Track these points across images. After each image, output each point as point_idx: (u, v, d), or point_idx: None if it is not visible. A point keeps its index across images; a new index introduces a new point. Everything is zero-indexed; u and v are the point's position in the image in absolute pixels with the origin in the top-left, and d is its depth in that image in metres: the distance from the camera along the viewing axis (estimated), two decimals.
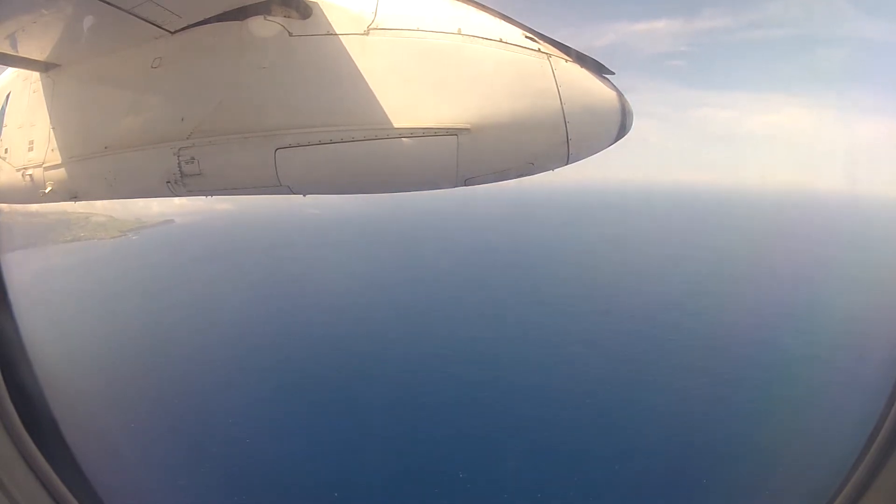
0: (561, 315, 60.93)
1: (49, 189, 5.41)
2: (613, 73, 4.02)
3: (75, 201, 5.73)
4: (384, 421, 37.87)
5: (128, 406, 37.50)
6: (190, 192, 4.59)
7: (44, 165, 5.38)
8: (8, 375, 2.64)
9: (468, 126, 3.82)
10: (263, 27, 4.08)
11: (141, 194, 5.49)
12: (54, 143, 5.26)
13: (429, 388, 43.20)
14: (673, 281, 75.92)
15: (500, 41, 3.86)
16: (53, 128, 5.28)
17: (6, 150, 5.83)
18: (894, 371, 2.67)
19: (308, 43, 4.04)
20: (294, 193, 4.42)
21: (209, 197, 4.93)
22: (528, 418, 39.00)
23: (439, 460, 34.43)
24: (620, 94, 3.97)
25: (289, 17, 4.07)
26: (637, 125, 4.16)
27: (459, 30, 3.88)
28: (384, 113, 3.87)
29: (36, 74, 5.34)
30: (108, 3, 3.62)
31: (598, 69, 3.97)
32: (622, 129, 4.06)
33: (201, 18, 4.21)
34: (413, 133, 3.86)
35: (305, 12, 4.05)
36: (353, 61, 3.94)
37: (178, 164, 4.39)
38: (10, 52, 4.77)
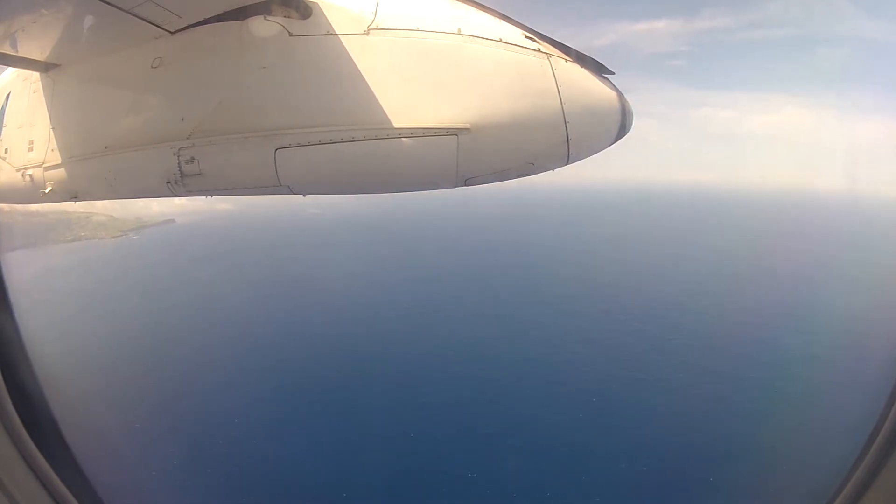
0: (561, 315, 60.91)
1: (49, 189, 5.40)
2: (613, 73, 4.02)
3: (75, 201, 5.73)
4: (386, 420, 37.89)
5: (128, 406, 37.50)
6: (190, 193, 4.59)
7: (44, 165, 5.38)
8: (8, 375, 2.64)
9: (468, 126, 3.82)
10: (263, 27, 4.08)
11: (141, 194, 5.49)
12: (54, 143, 5.26)
13: (429, 387, 43.21)
14: (673, 281, 75.93)
15: (500, 41, 3.86)
16: (53, 128, 5.28)
17: (6, 150, 5.83)
18: (894, 371, 2.66)
19: (308, 43, 4.04)
20: (294, 193, 4.42)
21: (209, 197, 4.93)
22: (528, 418, 39.01)
23: (439, 460, 34.42)
24: (620, 94, 3.97)
25: (289, 17, 4.07)
26: (637, 125, 4.16)
27: (459, 30, 3.88)
28: (384, 113, 3.87)
29: (36, 74, 5.34)
30: (108, 3, 3.62)
31: (598, 69, 3.97)
32: (622, 129, 4.06)
33: (201, 18, 4.20)
34: (413, 133, 3.86)
35: (305, 12, 4.04)
36: (353, 61, 3.94)
37: (178, 164, 4.39)
38: (10, 52, 4.77)
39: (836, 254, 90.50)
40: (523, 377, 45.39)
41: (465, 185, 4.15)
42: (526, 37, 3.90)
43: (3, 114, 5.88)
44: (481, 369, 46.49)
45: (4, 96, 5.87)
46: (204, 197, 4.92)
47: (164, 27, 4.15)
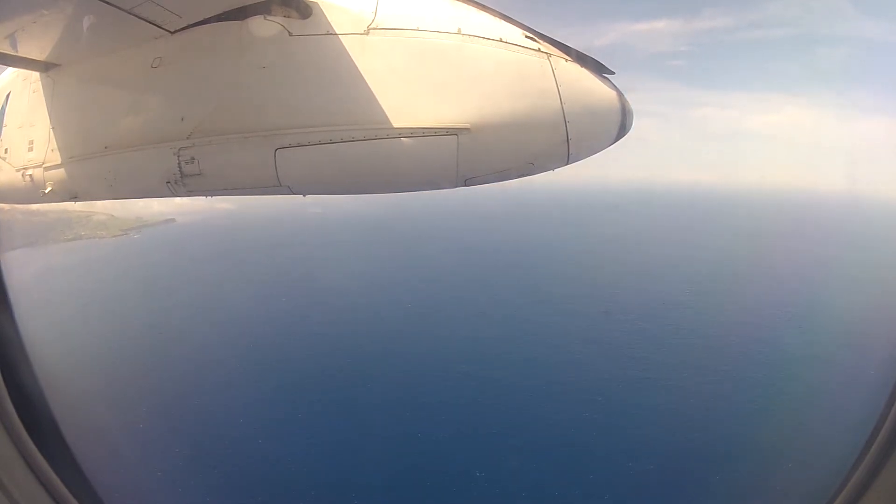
0: (561, 314, 60.95)
1: (49, 189, 5.40)
2: (613, 73, 4.02)
3: (75, 201, 5.74)
4: (387, 420, 37.91)
5: (128, 406, 37.51)
6: (190, 193, 4.59)
7: (44, 165, 5.37)
8: (8, 375, 2.64)
9: (468, 126, 3.82)
10: (263, 27, 4.07)
11: (141, 194, 5.49)
12: (54, 143, 5.26)
13: (430, 387, 43.21)
14: (673, 281, 75.90)
15: (501, 41, 3.86)
16: (53, 128, 5.28)
17: (6, 150, 5.83)
18: (894, 371, 2.66)
19: (308, 43, 4.04)
20: (294, 193, 4.42)
21: (210, 197, 4.93)
22: (530, 418, 39.02)
23: (441, 460, 34.43)
24: (620, 94, 3.96)
25: (289, 16, 4.07)
26: (637, 125, 4.16)
27: (459, 29, 3.88)
28: (384, 113, 3.87)
29: (36, 74, 5.33)
30: (108, 3, 3.62)
31: (598, 69, 3.96)
32: (622, 129, 4.06)
33: (201, 18, 4.20)
34: (413, 133, 3.86)
35: (305, 12, 4.04)
36: (353, 61, 3.94)
37: (178, 164, 4.39)
38: (10, 52, 4.76)
39: (836, 254, 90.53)
40: (525, 377, 45.39)
41: (465, 185, 4.15)
42: (526, 36, 3.90)
43: (3, 114, 5.87)
44: (483, 369, 46.51)
45: (4, 96, 5.87)
46: (204, 197, 4.92)
47: (164, 27, 4.15)
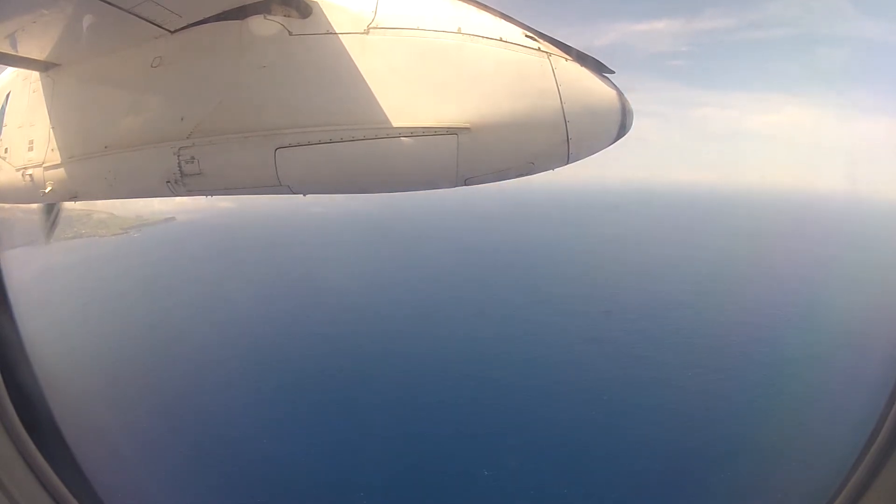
0: (561, 314, 60.98)
1: (49, 189, 5.40)
2: (613, 73, 4.01)
3: (75, 201, 5.74)
4: (388, 420, 37.93)
5: (128, 406, 37.50)
6: (190, 192, 4.58)
7: (44, 165, 5.37)
8: (8, 375, 2.64)
9: (468, 125, 3.81)
10: (263, 26, 4.07)
11: (141, 194, 5.49)
12: (54, 143, 5.26)
13: (431, 387, 43.24)
14: (673, 281, 75.93)
15: (501, 40, 3.85)
16: (53, 127, 5.27)
17: (6, 149, 5.83)
18: (894, 371, 2.67)
19: (308, 42, 4.03)
20: (294, 193, 4.41)
21: (210, 196, 4.94)
22: (529, 417, 39.05)
23: (440, 460, 34.46)
24: (621, 94, 3.96)
25: (289, 16, 4.06)
26: (637, 124, 4.14)
27: (459, 29, 3.87)
28: (384, 112, 3.87)
29: (36, 74, 5.33)
30: (108, 3, 3.61)
31: (599, 68, 3.96)
32: (622, 129, 4.05)
33: (201, 18, 4.20)
34: (413, 132, 3.85)
35: (305, 11, 4.04)
36: (353, 61, 3.93)
37: (178, 163, 4.39)
38: (10, 51, 4.75)
39: (836, 254, 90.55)
40: (525, 376, 45.43)
41: (465, 184, 4.14)
42: (526, 36, 3.89)
43: (3, 113, 5.87)
44: (483, 369, 46.54)
45: (4, 96, 5.87)
46: (204, 196, 4.92)
47: (164, 26, 4.14)
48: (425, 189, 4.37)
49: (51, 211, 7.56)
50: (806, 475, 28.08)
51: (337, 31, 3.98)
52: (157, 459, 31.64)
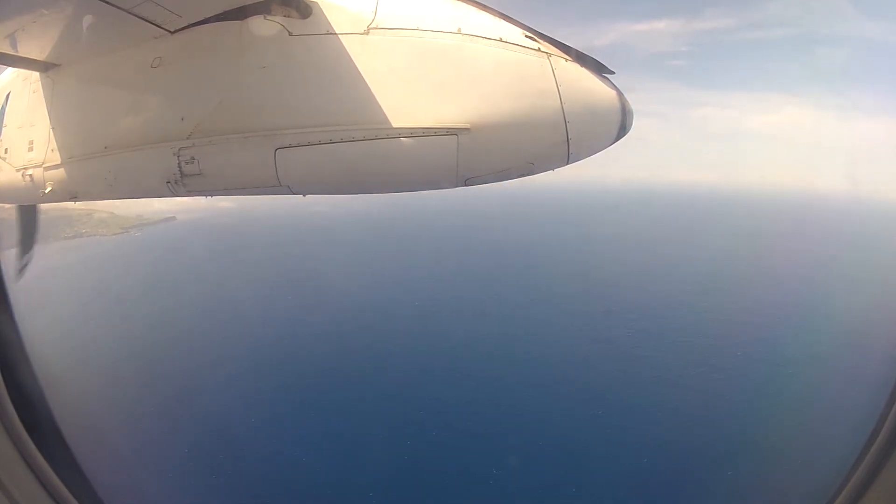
0: (561, 314, 60.98)
1: (49, 189, 5.40)
2: (613, 73, 4.01)
3: (75, 201, 5.73)
4: (389, 419, 37.94)
5: (128, 406, 37.51)
6: (190, 193, 4.58)
7: (44, 165, 5.37)
8: (8, 375, 2.64)
9: (468, 126, 3.81)
10: (263, 27, 4.07)
11: (141, 194, 5.49)
12: (54, 143, 5.26)
13: (432, 387, 43.23)
14: (673, 281, 75.94)
15: (500, 40, 3.85)
16: (53, 128, 5.27)
17: (6, 150, 5.83)
18: (894, 371, 2.67)
19: (308, 42, 4.03)
20: (294, 193, 4.41)
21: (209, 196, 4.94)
22: (529, 416, 39.05)
23: (440, 459, 34.45)
24: (621, 94, 3.95)
25: (289, 16, 4.06)
26: (637, 124, 4.13)
27: (459, 29, 3.87)
28: (384, 113, 3.86)
29: (36, 74, 5.33)
30: (108, 3, 3.61)
31: (599, 69, 3.96)
32: (622, 129, 4.05)
33: (201, 18, 4.19)
34: (413, 133, 3.85)
35: (305, 12, 4.04)
36: (353, 61, 3.93)
37: (178, 164, 4.39)
38: (10, 52, 4.75)
39: (836, 254, 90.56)
40: (525, 376, 45.42)
41: (466, 185, 4.14)
42: (526, 36, 3.89)
43: (3, 114, 5.88)
44: (485, 368, 46.57)
45: (4, 96, 5.87)
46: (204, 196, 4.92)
47: (163, 27, 4.14)
48: (425, 189, 4.37)
49: (28, 222, 7.46)
50: (806, 475, 28.06)
51: (337, 32, 3.98)
52: (158, 459, 31.64)
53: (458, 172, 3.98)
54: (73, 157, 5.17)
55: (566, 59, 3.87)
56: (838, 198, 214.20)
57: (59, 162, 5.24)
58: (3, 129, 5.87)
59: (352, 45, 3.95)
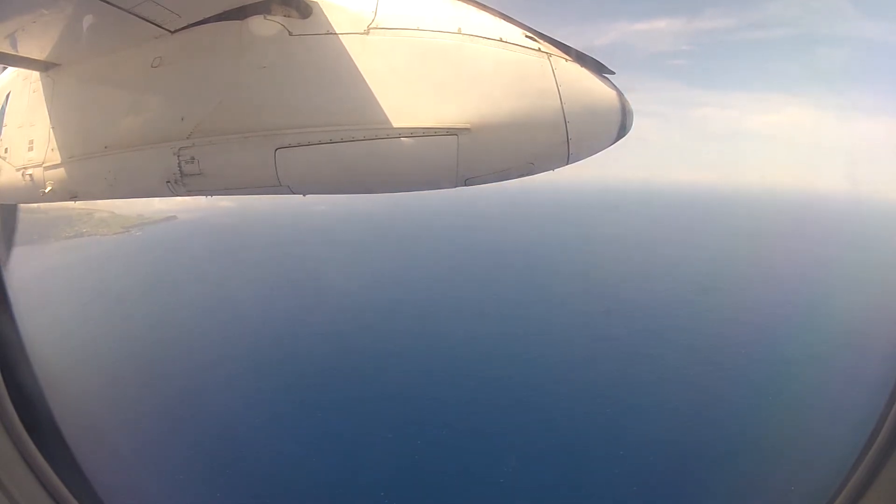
0: (562, 313, 61.00)
1: (49, 189, 5.39)
2: (614, 73, 4.01)
3: (75, 201, 5.73)
4: (389, 419, 37.96)
5: (128, 406, 37.50)
6: (190, 192, 4.58)
7: (44, 165, 5.37)
8: (8, 375, 2.64)
9: (468, 126, 3.81)
10: (263, 26, 4.07)
11: (141, 194, 5.47)
12: (54, 143, 5.26)
13: (431, 385, 43.23)
14: (673, 280, 75.99)
15: (501, 41, 3.85)
16: (53, 127, 5.27)
17: (6, 149, 5.83)
18: (894, 371, 2.67)
19: (308, 42, 4.03)
20: (294, 193, 4.41)
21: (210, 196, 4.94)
22: (528, 416, 39.06)
23: (439, 458, 34.46)
24: (621, 94, 3.96)
25: (289, 16, 4.06)
26: (637, 124, 4.13)
27: (459, 29, 3.87)
28: (384, 113, 3.86)
29: (36, 74, 5.32)
30: (108, 3, 3.61)
31: (599, 69, 3.96)
32: (622, 129, 4.05)
33: (201, 18, 4.19)
34: (413, 133, 3.85)
35: (305, 11, 4.04)
36: (353, 61, 3.93)
37: (178, 163, 4.39)
38: (10, 51, 4.75)
39: (836, 254, 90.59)
40: (526, 375, 45.43)
41: (466, 185, 4.14)
42: (526, 36, 3.89)
43: (3, 113, 5.87)
44: (485, 368, 46.57)
45: (4, 96, 5.87)
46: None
47: (164, 26, 4.14)
48: (425, 189, 4.37)
49: (7, 223, 7.42)
50: (806, 475, 28.07)
51: (337, 32, 3.98)
52: (158, 459, 31.65)
53: (458, 172, 3.98)
54: (73, 156, 5.17)
55: (566, 60, 3.87)
56: (838, 198, 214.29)
57: (59, 161, 5.23)
58: (4, 128, 5.86)
59: (352, 45, 3.95)
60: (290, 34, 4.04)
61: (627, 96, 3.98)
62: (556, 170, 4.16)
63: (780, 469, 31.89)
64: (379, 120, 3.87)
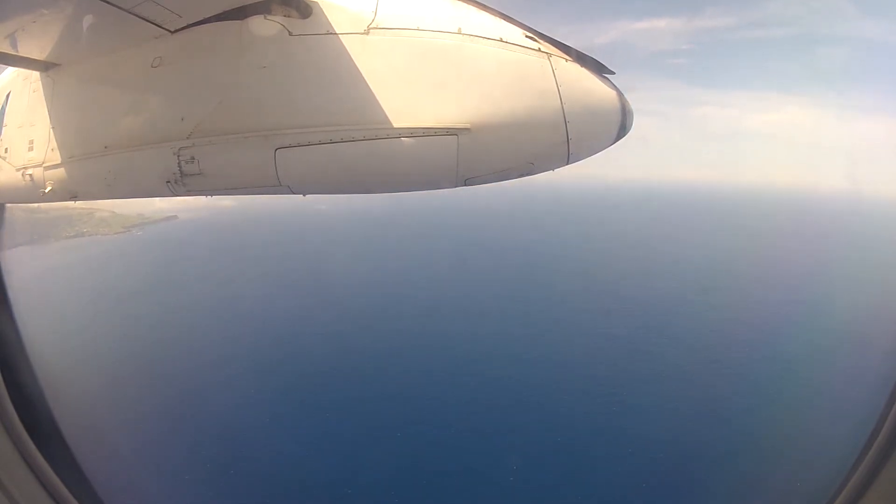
0: (562, 312, 61.00)
1: (49, 189, 5.39)
2: (614, 73, 4.01)
3: (75, 201, 5.73)
4: (390, 418, 37.97)
5: (128, 406, 37.51)
6: (190, 192, 4.58)
7: (44, 165, 5.36)
8: (8, 375, 2.64)
9: (468, 126, 3.81)
10: (263, 26, 4.07)
11: (141, 194, 5.47)
12: (54, 143, 5.26)
13: (431, 385, 43.24)
14: (673, 280, 75.98)
15: (501, 41, 3.85)
16: (53, 127, 5.27)
17: (6, 149, 5.82)
18: (894, 371, 2.67)
19: (308, 42, 4.03)
20: (294, 193, 4.41)
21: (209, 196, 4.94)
22: (529, 415, 39.07)
23: (439, 458, 34.47)
24: (621, 94, 3.96)
25: (289, 16, 4.06)
26: (638, 123, 4.13)
27: (460, 29, 3.87)
28: (384, 113, 3.86)
29: (36, 74, 5.32)
30: (108, 3, 3.61)
31: (599, 69, 3.96)
32: (622, 129, 4.05)
33: (201, 18, 4.19)
34: (413, 133, 3.85)
35: (305, 11, 4.03)
36: (353, 61, 3.93)
37: (178, 163, 4.39)
38: (10, 51, 4.74)
39: (836, 254, 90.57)
40: (526, 375, 45.45)
41: (466, 184, 4.14)
42: (526, 36, 3.89)
43: (3, 113, 5.87)
44: (485, 367, 46.57)
45: (4, 96, 5.87)
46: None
47: (164, 26, 4.14)
48: (425, 189, 4.36)
49: None
50: (806, 475, 28.07)
51: (337, 32, 3.97)
52: (157, 459, 31.66)
53: (458, 172, 3.98)
54: (73, 156, 5.17)
55: (566, 60, 3.87)
56: (838, 197, 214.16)
57: (59, 161, 5.23)
58: (4, 128, 5.86)
59: (352, 45, 3.95)
60: (290, 34, 4.04)
61: (627, 96, 3.98)
62: (556, 170, 4.16)
63: (780, 469, 31.90)
64: (379, 120, 3.87)
